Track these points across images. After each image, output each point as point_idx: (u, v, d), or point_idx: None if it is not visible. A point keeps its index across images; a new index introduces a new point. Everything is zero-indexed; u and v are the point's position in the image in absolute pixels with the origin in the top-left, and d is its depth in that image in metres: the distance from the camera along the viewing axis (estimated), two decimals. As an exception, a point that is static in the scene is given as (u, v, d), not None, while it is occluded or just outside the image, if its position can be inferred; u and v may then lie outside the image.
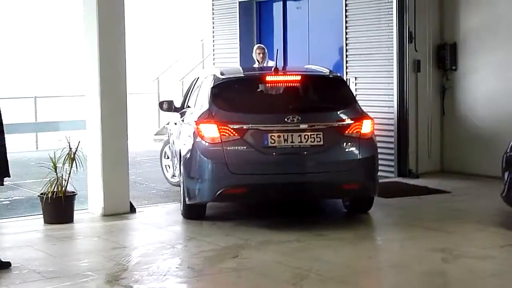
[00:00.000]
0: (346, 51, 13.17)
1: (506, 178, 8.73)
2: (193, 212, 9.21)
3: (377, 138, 11.02)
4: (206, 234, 8.69)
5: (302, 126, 8.64)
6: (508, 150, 8.83)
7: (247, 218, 9.46)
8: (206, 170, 8.72)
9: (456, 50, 12.71)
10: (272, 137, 8.58)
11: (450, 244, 8.05)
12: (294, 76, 9.38)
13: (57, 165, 9.36)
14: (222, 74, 9.46)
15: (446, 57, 12.71)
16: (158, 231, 8.93)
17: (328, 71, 10.01)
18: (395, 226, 9.19)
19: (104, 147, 9.64)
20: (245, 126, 8.61)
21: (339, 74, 10.20)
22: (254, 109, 8.93)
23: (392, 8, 12.39)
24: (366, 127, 8.94)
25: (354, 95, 9.99)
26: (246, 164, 8.58)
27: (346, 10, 13.11)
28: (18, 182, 12.61)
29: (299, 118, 8.64)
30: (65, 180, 9.35)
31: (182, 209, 9.38)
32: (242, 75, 10.06)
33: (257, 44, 13.51)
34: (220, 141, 8.59)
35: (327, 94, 9.42)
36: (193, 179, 8.92)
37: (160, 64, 18.40)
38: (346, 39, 13.14)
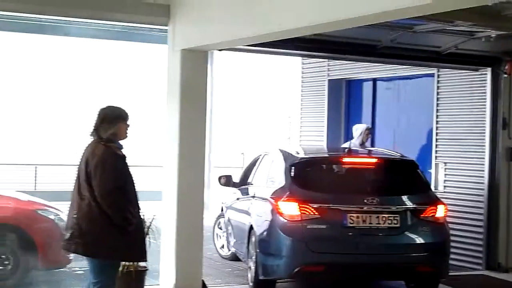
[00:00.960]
0: (436, 135, 12.72)
1: None
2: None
3: (465, 228, 11.35)
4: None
5: (380, 208, 8.88)
6: None
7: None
8: (285, 246, 8.87)
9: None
10: (351, 217, 8.79)
11: None
12: (371, 159, 9.87)
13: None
14: (297, 153, 9.78)
15: (542, 146, 12.14)
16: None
17: (400, 155, 10.33)
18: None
19: (179, 222, 9.37)
20: (325, 206, 8.79)
21: (412, 159, 10.37)
22: (333, 189, 9.20)
23: (485, 93, 11.94)
24: (440, 212, 9.22)
25: (427, 179, 10.10)
26: (325, 242, 8.77)
27: (437, 93, 12.70)
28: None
29: (378, 200, 8.93)
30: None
31: (252, 284, 9.47)
32: (319, 155, 10.26)
33: (366, 124, 13.04)
34: (300, 219, 8.76)
35: (401, 177, 9.69)
36: (270, 255, 9.06)
37: (248, 138, 18.26)
38: (437, 122, 12.71)
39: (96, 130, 6.82)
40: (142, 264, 9.04)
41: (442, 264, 9.25)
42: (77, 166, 6.87)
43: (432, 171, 12.71)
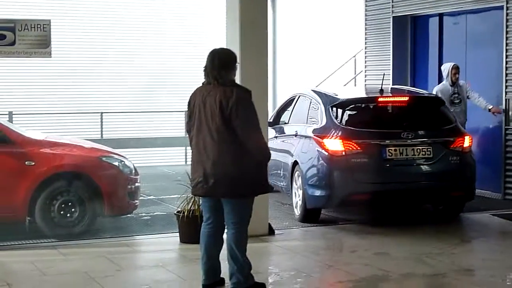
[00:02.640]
0: (506, 69, 12.31)
1: None
2: (311, 216, 10.25)
3: None
4: (345, 262, 8.18)
5: (415, 141, 9.90)
6: None
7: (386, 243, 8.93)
8: (332, 179, 9.83)
9: None
10: (390, 150, 9.81)
11: None
12: (403, 97, 10.61)
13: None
14: (336, 94, 10.67)
15: None
16: (295, 257, 8.48)
17: (427, 93, 11.67)
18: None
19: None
20: (366, 141, 9.81)
21: (438, 96, 11.59)
22: (370, 126, 10.11)
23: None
24: (466, 142, 10.20)
25: (452, 114, 10.94)
26: (368, 173, 9.73)
27: (507, 27, 12.25)
28: (162, 196, 12.55)
29: (412, 134, 9.92)
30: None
31: (300, 213, 10.34)
32: (355, 96, 11.07)
33: (451, 63, 12.68)
34: (344, 154, 9.77)
35: (430, 113, 10.54)
36: (318, 187, 9.98)
37: (311, 79, 18.01)
38: (507, 57, 12.28)
39: (216, 77, 6.68)
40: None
41: (470, 188, 10.27)
42: (196, 112, 6.76)
43: (503, 107, 12.34)
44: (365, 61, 15.59)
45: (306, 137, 10.50)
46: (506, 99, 12.31)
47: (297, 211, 10.43)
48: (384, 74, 11.39)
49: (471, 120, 12.79)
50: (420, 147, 9.92)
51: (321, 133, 10.14)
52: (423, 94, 11.38)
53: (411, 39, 14.83)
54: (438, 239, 9.33)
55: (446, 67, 12.67)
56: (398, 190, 9.87)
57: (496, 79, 12.66)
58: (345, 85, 16.79)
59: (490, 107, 12.35)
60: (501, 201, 12.19)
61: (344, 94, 10.88)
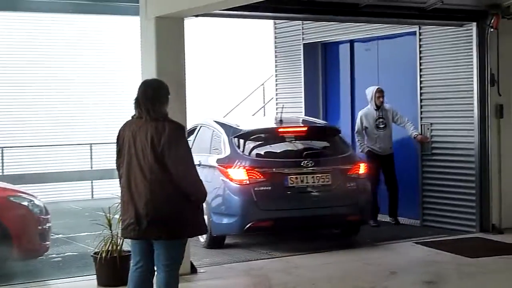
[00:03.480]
0: (421, 95, 12.23)
1: None
2: (216, 243, 10.67)
3: (456, 190, 11.69)
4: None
5: (314, 169, 10.38)
6: None
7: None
8: (237, 207, 10.25)
9: (543, 93, 11.73)
10: (291, 178, 10.29)
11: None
12: (301, 127, 11.33)
13: (112, 221, 8.54)
14: (238, 126, 11.05)
15: (532, 101, 11.72)
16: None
17: (324, 122, 12.57)
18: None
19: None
20: (268, 170, 10.26)
21: (335, 125, 12.33)
22: (272, 155, 10.70)
23: (471, 49, 11.45)
24: (362, 169, 10.80)
25: (348, 142, 11.83)
26: (271, 201, 10.19)
27: (420, 52, 12.19)
28: (72, 235, 11.90)
29: (312, 162, 10.41)
30: (120, 238, 8.50)
31: (206, 240, 10.64)
32: (256, 126, 11.37)
33: (375, 86, 12.55)
34: (248, 182, 10.18)
35: (328, 141, 11.25)
36: (223, 215, 10.42)
37: (221, 108, 17.67)
38: (421, 82, 12.22)
39: (148, 110, 6.24)
40: (127, 248, 8.49)
41: (366, 213, 10.93)
42: (126, 148, 6.32)
43: (419, 132, 12.24)
44: (276, 89, 15.33)
45: (210, 166, 10.76)
46: (421, 125, 12.22)
47: (202, 239, 10.62)
48: (283, 106, 12.57)
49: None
50: (320, 175, 10.41)
51: (225, 163, 10.55)
52: (320, 124, 12.09)
53: (322, 66, 14.67)
54: (366, 271, 9.07)
55: (370, 91, 12.57)
56: (300, 216, 10.30)
57: (410, 105, 12.58)
58: (253, 114, 16.53)
59: (415, 135, 12.19)
60: (420, 228, 12.07)
61: (246, 125, 11.32)
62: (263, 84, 17.24)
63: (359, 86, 13.72)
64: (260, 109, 17.22)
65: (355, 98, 14.04)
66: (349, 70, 14.15)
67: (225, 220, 10.39)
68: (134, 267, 6.45)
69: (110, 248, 8.47)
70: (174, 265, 6.35)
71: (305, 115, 14.27)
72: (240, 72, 17.83)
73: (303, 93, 14.50)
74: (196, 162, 10.38)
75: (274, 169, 10.29)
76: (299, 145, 10.93)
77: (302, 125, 11.58)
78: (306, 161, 10.39)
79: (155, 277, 6.41)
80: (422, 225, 12.21)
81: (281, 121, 11.18)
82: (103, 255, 8.40)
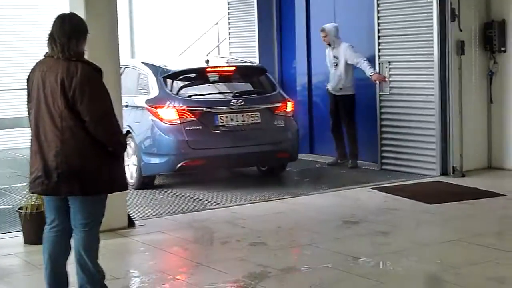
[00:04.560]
0: (379, 32, 11.53)
1: None
2: (146, 183, 10.67)
3: (416, 131, 11.10)
4: (217, 258, 7.13)
5: (244, 107, 10.49)
6: None
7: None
8: (168, 146, 10.28)
9: (505, 29, 11.02)
10: (221, 117, 10.38)
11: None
12: (229, 67, 11.45)
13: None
14: (166, 66, 11.04)
15: (494, 37, 11.02)
16: (160, 254, 7.38)
17: (250, 62, 12.24)
18: (454, 245, 7.52)
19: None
20: (198, 109, 10.34)
21: (261, 65, 12.16)
22: (203, 95, 10.77)
23: (431, -19, 10.75)
24: (290, 107, 10.92)
25: (274, 81, 11.73)
26: (202, 140, 10.28)
27: (378, -12, 11.48)
28: (8, 186, 11.15)
29: (241, 101, 10.52)
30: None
31: (135, 180, 10.65)
32: (185, 66, 11.33)
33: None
34: (179, 122, 10.24)
35: (256, 81, 11.33)
36: (154, 155, 10.42)
37: (173, 48, 16.85)
38: (378, 18, 11.51)
39: (63, 46, 5.44)
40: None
41: (294, 150, 11.04)
42: (34, 92, 5.54)
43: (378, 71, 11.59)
44: (229, 28, 14.59)
45: (138, 107, 10.77)
46: (379, 64, 11.56)
47: (132, 180, 10.62)
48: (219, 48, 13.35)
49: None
50: (249, 113, 10.52)
51: (154, 103, 10.52)
52: (247, 63, 12.05)
53: (276, 5, 13.92)
54: (318, 221, 8.47)
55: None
56: (230, 154, 10.43)
57: (367, 43, 11.92)
58: (207, 54, 15.77)
59: (371, 73, 11.52)
60: (378, 172, 11.50)
61: (174, 65, 11.25)
62: (217, 23, 16.40)
63: (315, 26, 12.98)
64: (214, 49, 16.42)
65: (310, 39, 13.34)
66: (305, 9, 13.42)
67: (156, 160, 10.42)
68: (48, 226, 5.74)
69: (38, 202, 7.75)
70: (92, 223, 5.64)
71: (259, 56, 13.66)
72: (194, 10, 16.95)
73: (256, 33, 13.80)
74: (123, 103, 9.70)
75: (204, 109, 10.36)
76: (227, 85, 11.17)
77: (230, 64, 11.69)
78: (235, 100, 10.48)
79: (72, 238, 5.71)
80: (381, 169, 11.64)
81: (207, 61, 11.19)
82: (29, 210, 7.70)
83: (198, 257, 7.20)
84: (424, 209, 8.86)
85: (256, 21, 13.80)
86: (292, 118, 11.04)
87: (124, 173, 5.85)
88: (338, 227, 8.17)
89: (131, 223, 8.36)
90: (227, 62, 12.08)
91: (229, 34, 14.59)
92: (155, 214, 9.06)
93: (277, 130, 10.73)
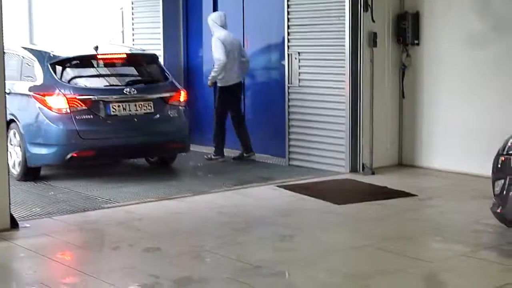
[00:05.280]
0: (288, 20, 10.99)
1: (501, 188, 6.71)
2: (31, 174, 10.14)
3: (326, 126, 10.63)
4: (105, 267, 6.45)
5: (137, 96, 10.14)
6: (504, 151, 6.80)
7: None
8: (57, 136, 9.80)
9: (419, 21, 10.62)
10: (114, 106, 9.99)
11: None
12: (120, 54, 10.97)
13: None
14: (53, 51, 10.51)
15: (407, 29, 10.61)
16: (41, 262, 6.61)
17: (141, 49, 11.89)
18: (363, 251, 7.03)
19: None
20: (90, 98, 9.90)
21: (153, 52, 11.52)
22: (93, 82, 10.33)
23: (343, -31, 10.26)
24: (182, 97, 10.65)
25: (166, 70, 11.18)
26: (93, 130, 9.87)
27: (287, -27, 10.93)
28: None
29: (134, 90, 10.15)
30: None
31: (19, 171, 10.14)
32: (74, 53, 10.69)
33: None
34: (69, 111, 9.77)
35: (148, 69, 11.00)
36: (41, 145, 9.91)
37: (74, 33, 16.00)
38: (288, 6, 10.97)
39: None
40: None
41: (186, 141, 10.76)
42: None
43: (285, 63, 11.06)
44: (132, 13, 13.85)
45: (23, 94, 10.22)
46: (288, 54, 11.03)
47: (15, 171, 10.18)
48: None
49: (256, 79, 11.66)
50: (142, 103, 10.17)
51: (42, 90, 10.01)
52: (139, 50, 11.76)
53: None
54: (219, 223, 7.88)
55: None
56: (123, 145, 10.08)
57: (277, 33, 11.42)
58: (110, 41, 15.00)
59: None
60: (285, 168, 10.99)
61: (62, 51, 10.70)
62: (121, 8, 15.62)
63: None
64: (117, 35, 15.64)
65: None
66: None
67: (44, 151, 9.91)
68: None
69: None
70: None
71: (164, 43, 13.00)
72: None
73: (161, 19, 13.13)
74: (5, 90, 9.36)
75: (95, 97, 9.93)
76: (119, 73, 10.79)
77: (120, 52, 11.22)
78: (128, 89, 10.12)
79: None
80: (289, 164, 11.13)
81: (96, 48, 10.62)
82: None
83: (85, 265, 6.50)
84: (331, 210, 8.37)
85: (161, 7, 13.11)
86: (185, 108, 10.71)
87: None
88: (240, 230, 7.59)
89: (14, 224, 7.61)
90: (117, 49, 11.61)
91: (133, 20, 13.85)
92: (43, 213, 8.31)
93: (170, 120, 10.42)
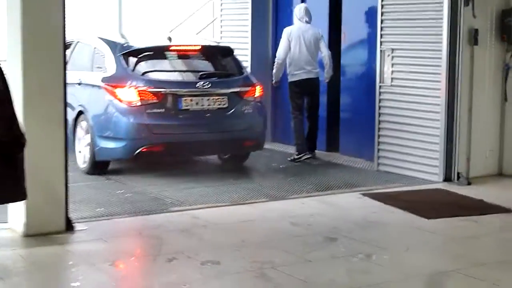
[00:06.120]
0: (382, 15, 10.14)
1: None
2: (100, 168, 9.71)
3: (418, 129, 9.73)
4: (156, 283, 5.78)
5: (211, 91, 9.61)
6: None
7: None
8: (127, 130, 9.36)
9: (526, 17, 9.64)
10: (186, 100, 9.50)
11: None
12: (195, 46, 10.39)
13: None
14: (126, 42, 10.25)
15: (513, 26, 9.65)
16: (87, 272, 5.96)
17: (216, 42, 11.52)
18: (449, 277, 6.16)
19: (31, 134, 6.72)
20: (161, 91, 9.42)
21: (228, 45, 10.93)
22: (166, 75, 9.86)
23: (443, -41, 9.35)
24: (258, 92, 10.09)
25: (242, 63, 10.61)
26: (164, 124, 9.39)
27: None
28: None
29: (208, 83, 9.61)
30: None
31: (87, 165, 9.72)
32: (147, 43, 10.23)
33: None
34: (140, 104, 9.29)
35: (223, 62, 10.39)
36: (110, 139, 9.46)
37: (167, 25, 15.54)
38: (382, 5, 10.13)
39: None
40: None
41: (261, 138, 10.23)
42: None
43: (377, 60, 10.22)
44: (221, 4, 13.22)
45: (93, 86, 9.83)
46: (380, 51, 10.19)
47: (83, 164, 9.83)
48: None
49: (347, 76, 11.12)
50: (216, 97, 9.68)
51: (112, 82, 9.58)
52: (213, 42, 11.35)
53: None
54: (292, 235, 7.13)
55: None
56: (192, 141, 9.63)
57: (370, 28, 10.71)
58: (198, 33, 14.47)
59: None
60: (374, 173, 10.16)
61: (135, 42, 10.31)
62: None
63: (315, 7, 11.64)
64: (208, 25, 15.09)
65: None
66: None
67: (113, 145, 9.47)
68: None
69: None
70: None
71: (252, 37, 12.42)
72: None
73: (250, 11, 12.47)
74: (75, 80, 9.75)
75: (167, 90, 9.46)
76: (193, 65, 10.29)
77: (194, 43, 10.63)
78: (201, 83, 9.60)
79: None
80: (378, 169, 10.29)
81: (170, 39, 10.28)
82: None
83: (130, 279, 5.88)
84: (419, 226, 7.50)
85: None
86: (262, 103, 10.23)
87: (24, 178, 4.61)
88: (314, 244, 6.82)
89: (69, 227, 7.04)
90: (191, 41, 11.05)
91: (221, 11, 13.23)
92: (105, 214, 7.74)
93: (244, 116, 9.87)
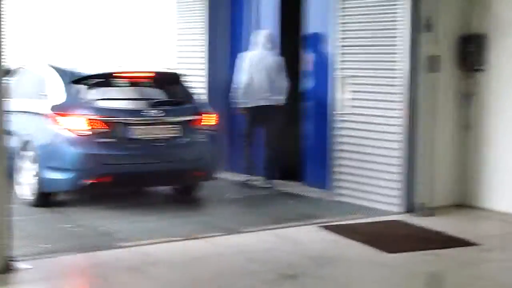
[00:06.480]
0: (342, 40, 9.91)
1: None
2: (46, 200, 9.39)
3: (379, 159, 9.45)
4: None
5: (163, 120, 9.39)
6: None
7: None
8: (75, 160, 9.04)
9: (487, 44, 9.41)
10: (137, 130, 9.25)
11: None
12: (146, 73, 10.10)
13: None
14: (75, 69, 9.89)
15: (473, 53, 9.42)
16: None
17: (167, 68, 11.21)
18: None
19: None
20: (112, 120, 9.15)
21: (174, 71, 10.76)
22: (116, 103, 9.48)
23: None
24: (212, 120, 9.88)
25: (191, 90, 10.30)
26: (114, 154, 9.11)
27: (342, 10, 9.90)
28: None
29: (160, 112, 9.38)
30: None
31: (32, 197, 9.41)
32: (97, 71, 9.89)
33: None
34: (89, 133, 9.05)
35: (173, 89, 10.06)
36: (56, 170, 9.14)
37: (121, 51, 15.22)
38: (341, 24, 9.90)
39: None
40: None
41: (214, 169, 9.99)
42: None
43: (333, 87, 9.97)
44: (178, 29, 12.96)
45: (39, 114, 9.53)
46: (338, 78, 9.95)
47: (27, 195, 9.48)
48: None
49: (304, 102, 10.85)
50: (168, 126, 9.48)
51: (61, 110, 9.29)
52: (164, 70, 10.92)
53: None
54: (247, 273, 6.78)
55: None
56: (144, 172, 9.32)
57: (327, 53, 10.43)
58: (153, 60, 14.16)
59: None
60: (332, 204, 9.91)
61: (84, 69, 9.97)
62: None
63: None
64: (164, 52, 14.78)
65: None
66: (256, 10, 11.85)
67: (60, 175, 9.11)
68: None
69: None
70: None
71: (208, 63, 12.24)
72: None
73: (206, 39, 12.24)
74: (19, 108, 9.47)
75: (118, 119, 9.17)
76: (144, 93, 9.94)
77: (145, 71, 10.28)
78: (154, 111, 9.36)
79: None
80: (336, 200, 10.00)
81: (119, 66, 10.27)
82: None
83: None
84: (380, 261, 7.19)
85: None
86: (215, 132, 9.93)
87: None
88: (269, 283, 6.48)
89: (9, 268, 6.61)
90: (141, 68, 10.70)
91: (177, 37, 12.95)
92: (50, 251, 7.32)
93: (194, 146, 9.61)
